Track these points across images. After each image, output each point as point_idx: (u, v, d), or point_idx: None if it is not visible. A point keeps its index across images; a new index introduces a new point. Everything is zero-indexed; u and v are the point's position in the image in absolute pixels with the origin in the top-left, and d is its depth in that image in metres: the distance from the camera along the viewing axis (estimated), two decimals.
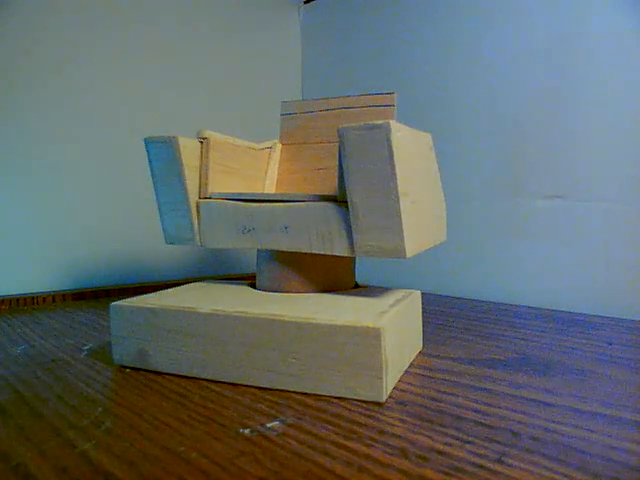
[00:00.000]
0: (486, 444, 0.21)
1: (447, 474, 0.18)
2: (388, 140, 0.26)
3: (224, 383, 0.29)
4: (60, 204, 0.57)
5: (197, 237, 0.34)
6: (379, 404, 0.25)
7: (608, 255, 0.48)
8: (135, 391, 0.27)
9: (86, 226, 0.59)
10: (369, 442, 0.21)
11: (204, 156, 0.35)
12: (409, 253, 0.28)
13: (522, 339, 0.37)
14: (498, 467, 0.19)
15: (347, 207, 0.28)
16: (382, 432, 0.22)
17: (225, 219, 0.33)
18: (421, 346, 0.35)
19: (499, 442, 0.21)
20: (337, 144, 0.28)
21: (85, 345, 0.37)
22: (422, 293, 0.37)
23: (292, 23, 0.80)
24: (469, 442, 0.21)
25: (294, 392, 0.27)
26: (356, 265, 0.37)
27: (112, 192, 0.61)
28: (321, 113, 0.40)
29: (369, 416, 0.24)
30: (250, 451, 0.20)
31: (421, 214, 0.30)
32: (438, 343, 0.36)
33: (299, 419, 0.24)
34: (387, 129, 0.26)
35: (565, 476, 0.18)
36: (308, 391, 0.27)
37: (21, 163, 0.54)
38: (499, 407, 0.25)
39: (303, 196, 0.31)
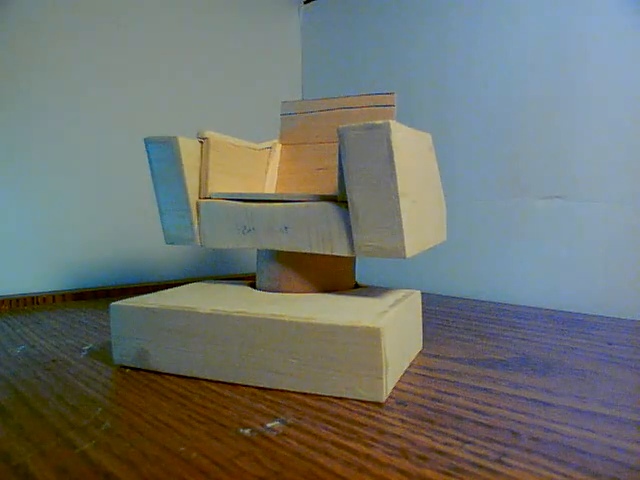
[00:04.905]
0: (486, 444, 0.21)
1: (447, 474, 0.18)
2: (388, 140, 0.26)
3: (224, 383, 0.29)
4: (60, 204, 0.57)
5: (197, 237, 0.34)
6: (379, 404, 0.25)
7: (608, 255, 0.48)
8: (135, 391, 0.27)
9: (86, 226, 0.59)
10: (369, 442, 0.21)
11: (204, 156, 0.35)
12: (409, 253, 0.28)
13: (522, 339, 0.37)
14: (498, 467, 0.19)
15: (347, 207, 0.28)
16: (382, 432, 0.22)
17: (225, 219, 0.33)
18: (421, 346, 0.35)
19: (499, 442, 0.21)
20: (337, 144, 0.28)
21: (85, 345, 0.37)
22: (422, 293, 0.37)
23: (292, 23, 0.80)
24: (469, 442, 0.21)
25: (294, 392, 0.27)
26: (356, 265, 0.37)
27: (112, 192, 0.61)
28: (321, 113, 0.40)
29: (369, 416, 0.24)
30: (250, 451, 0.20)
31: (421, 214, 0.30)
32: (438, 343, 0.36)
33: (299, 419, 0.24)
34: (387, 129, 0.26)
35: (565, 476, 0.18)
36: (308, 391, 0.27)
37: (21, 163, 0.54)
38: (499, 407, 0.25)
39: (303, 196, 0.31)
